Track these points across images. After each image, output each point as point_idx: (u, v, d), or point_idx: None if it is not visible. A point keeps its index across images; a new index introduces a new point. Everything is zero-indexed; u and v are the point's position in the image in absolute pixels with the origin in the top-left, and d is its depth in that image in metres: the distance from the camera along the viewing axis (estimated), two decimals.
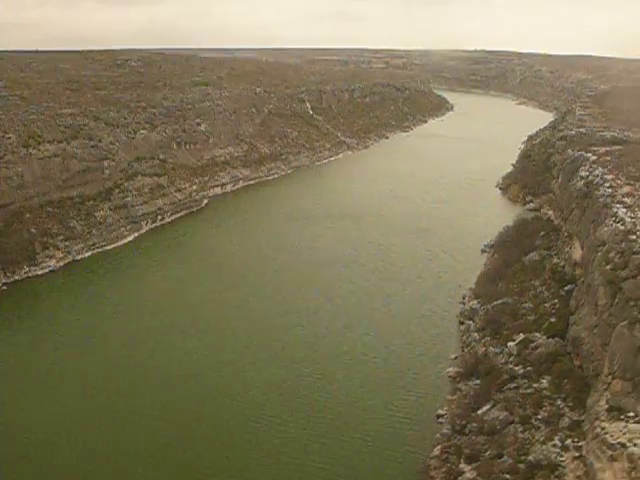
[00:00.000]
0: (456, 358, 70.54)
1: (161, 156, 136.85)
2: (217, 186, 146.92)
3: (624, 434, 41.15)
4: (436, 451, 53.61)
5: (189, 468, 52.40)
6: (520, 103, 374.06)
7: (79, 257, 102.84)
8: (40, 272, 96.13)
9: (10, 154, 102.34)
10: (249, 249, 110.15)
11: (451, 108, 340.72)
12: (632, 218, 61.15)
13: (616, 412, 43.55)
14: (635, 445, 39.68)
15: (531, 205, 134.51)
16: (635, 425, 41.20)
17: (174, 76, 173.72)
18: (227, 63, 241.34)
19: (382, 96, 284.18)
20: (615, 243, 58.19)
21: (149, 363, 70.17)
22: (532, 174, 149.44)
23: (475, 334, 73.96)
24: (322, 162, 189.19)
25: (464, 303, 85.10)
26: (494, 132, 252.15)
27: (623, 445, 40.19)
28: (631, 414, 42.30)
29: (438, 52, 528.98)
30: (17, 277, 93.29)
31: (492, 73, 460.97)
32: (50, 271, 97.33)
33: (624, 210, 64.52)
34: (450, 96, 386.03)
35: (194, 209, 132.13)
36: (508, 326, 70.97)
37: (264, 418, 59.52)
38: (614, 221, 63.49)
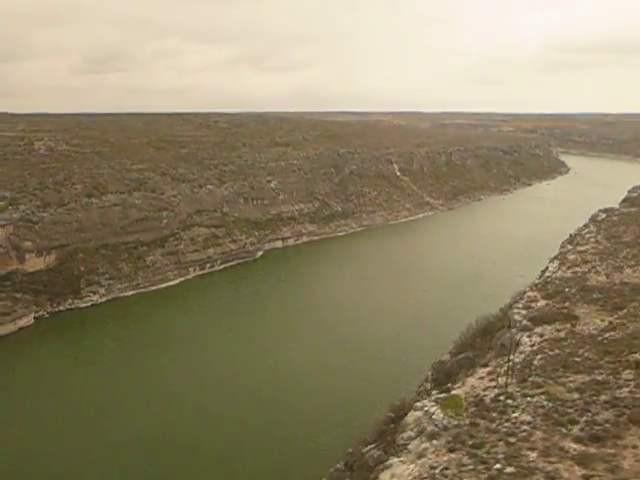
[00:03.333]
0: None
1: (225, 209, 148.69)
2: (278, 239, 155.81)
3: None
4: None
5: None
6: None
7: (122, 295, 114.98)
8: (82, 305, 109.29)
9: (73, 202, 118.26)
10: (269, 298, 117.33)
11: (566, 172, 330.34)
12: (553, 272, 61.02)
13: None
14: None
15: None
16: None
17: (256, 137, 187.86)
18: (329, 125, 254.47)
19: (485, 159, 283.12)
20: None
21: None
22: None
23: (428, 384, 74.69)
24: (397, 222, 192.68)
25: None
26: (598, 196, 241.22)
27: None
28: None
29: (568, 115, 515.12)
30: (61, 308, 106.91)
31: (624, 137, 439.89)
32: (92, 305, 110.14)
33: (555, 266, 64.27)
34: (575, 160, 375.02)
35: (247, 259, 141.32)
36: (455, 378, 71.32)
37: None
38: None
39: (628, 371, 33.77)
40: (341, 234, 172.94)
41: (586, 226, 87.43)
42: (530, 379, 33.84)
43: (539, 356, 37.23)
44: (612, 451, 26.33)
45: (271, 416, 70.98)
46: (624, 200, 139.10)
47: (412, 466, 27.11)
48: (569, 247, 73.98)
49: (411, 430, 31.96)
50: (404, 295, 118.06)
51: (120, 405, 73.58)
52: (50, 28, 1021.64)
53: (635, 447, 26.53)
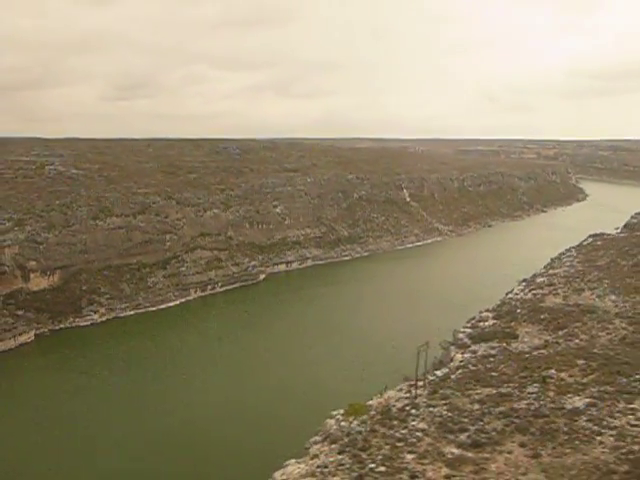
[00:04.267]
0: None
1: (229, 233, 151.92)
2: (282, 263, 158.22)
3: None
4: None
5: None
6: None
7: (122, 314, 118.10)
8: (82, 323, 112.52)
9: (78, 224, 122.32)
10: (266, 318, 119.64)
11: (583, 199, 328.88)
12: (516, 294, 62.57)
13: None
14: None
15: None
16: None
17: (265, 162, 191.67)
18: (340, 151, 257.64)
19: (499, 185, 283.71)
20: None
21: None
22: None
23: None
24: (404, 247, 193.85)
25: None
26: (610, 223, 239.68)
27: None
28: None
29: (590, 142, 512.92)
30: (62, 325, 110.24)
31: None
32: (91, 323, 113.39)
33: (520, 288, 65.72)
34: (595, 186, 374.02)
35: (249, 282, 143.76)
36: None
37: None
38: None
39: (535, 385, 35.39)
40: (346, 258, 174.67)
41: (568, 250, 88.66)
42: (440, 391, 35.61)
43: (460, 371, 38.94)
44: (487, 455, 28.09)
45: (264, 434, 71.66)
46: (625, 225, 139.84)
47: (303, 465, 29.09)
48: (543, 270, 75.39)
49: (319, 435, 33.84)
50: (400, 316, 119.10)
51: (114, 419, 75.40)
52: (79, 56, 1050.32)
53: (510, 452, 28.26)
